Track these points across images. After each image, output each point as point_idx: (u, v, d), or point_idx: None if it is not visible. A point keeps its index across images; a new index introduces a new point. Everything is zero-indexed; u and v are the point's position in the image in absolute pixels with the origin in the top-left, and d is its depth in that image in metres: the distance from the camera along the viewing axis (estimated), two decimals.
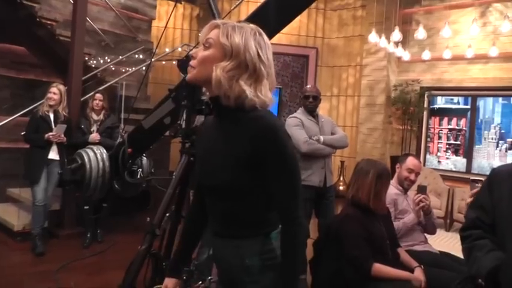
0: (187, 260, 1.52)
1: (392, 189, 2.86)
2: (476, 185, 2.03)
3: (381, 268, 2.24)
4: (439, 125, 7.76)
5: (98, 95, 4.52)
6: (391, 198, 2.81)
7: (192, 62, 1.24)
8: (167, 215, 1.92)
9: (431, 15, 7.14)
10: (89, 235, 4.29)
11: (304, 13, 7.56)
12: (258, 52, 1.19)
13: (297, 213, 1.19)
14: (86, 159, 3.17)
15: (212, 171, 1.24)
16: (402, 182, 2.95)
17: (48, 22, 5.38)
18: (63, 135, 4.06)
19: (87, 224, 4.35)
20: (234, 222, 1.25)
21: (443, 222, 5.89)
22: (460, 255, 2.43)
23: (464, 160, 7.32)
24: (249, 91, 1.16)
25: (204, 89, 1.77)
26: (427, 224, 2.91)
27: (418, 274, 2.38)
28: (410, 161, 2.95)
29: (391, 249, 2.44)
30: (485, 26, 6.49)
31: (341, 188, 7.43)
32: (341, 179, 7.66)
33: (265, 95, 1.20)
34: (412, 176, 2.92)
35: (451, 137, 7.96)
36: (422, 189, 2.85)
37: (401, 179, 2.96)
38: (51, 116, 4.14)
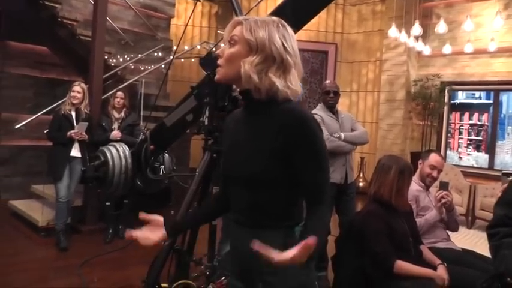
0: (184, 227, 1.59)
1: (414, 186, 2.83)
2: (508, 178, 1.98)
3: (403, 265, 2.22)
4: (460, 121, 7.63)
5: (119, 93, 4.58)
6: (412, 195, 2.78)
7: (219, 61, 1.25)
8: (190, 211, 1.94)
9: (452, 8, 7.01)
10: (110, 231, 4.35)
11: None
12: (283, 43, 1.20)
13: (324, 198, 1.22)
14: (109, 156, 3.21)
15: (242, 163, 1.25)
16: (424, 178, 2.91)
17: (69, 22, 5.47)
18: (84, 133, 4.13)
19: (109, 220, 4.42)
20: (258, 212, 1.25)
21: (465, 219, 5.79)
22: (483, 252, 2.41)
23: (487, 156, 7.18)
24: (279, 82, 1.18)
25: (234, 86, 1.78)
26: (449, 221, 2.87)
27: (441, 272, 2.35)
28: (433, 158, 2.90)
29: (414, 246, 2.41)
30: (509, 18, 6.34)
31: (361, 184, 7.38)
32: (361, 175, 7.61)
33: (296, 84, 1.22)
34: (435, 173, 2.88)
35: (473, 133, 7.82)
36: (444, 186, 2.81)
37: (424, 175, 2.92)
38: (73, 114, 4.21)
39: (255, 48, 1.20)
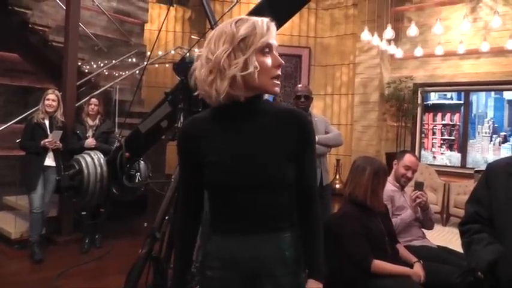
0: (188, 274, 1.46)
1: (389, 186, 2.88)
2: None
3: (380, 264, 2.26)
4: (433, 121, 7.81)
5: (93, 100, 4.51)
6: (388, 195, 2.82)
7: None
8: (166, 218, 1.93)
9: (423, 12, 7.19)
10: (87, 241, 4.28)
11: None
12: (222, 38, 1.23)
13: (317, 196, 1.32)
14: (84, 165, 3.15)
15: (258, 168, 1.21)
16: (399, 178, 2.96)
17: (41, 28, 5.38)
18: (59, 142, 4.06)
19: (85, 230, 4.34)
20: (274, 216, 1.26)
21: (440, 217, 5.93)
22: (458, 249, 2.46)
23: (459, 155, 7.37)
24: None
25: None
26: (424, 220, 2.93)
27: (418, 269, 2.40)
28: (408, 158, 2.95)
29: (390, 246, 2.45)
30: (476, 21, 6.55)
31: (337, 186, 7.46)
32: (337, 177, 7.69)
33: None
34: (409, 173, 2.93)
35: (445, 133, 8.01)
36: (419, 186, 2.87)
37: (398, 175, 2.97)
38: (47, 122, 4.13)
39: None
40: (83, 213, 4.29)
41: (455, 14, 6.74)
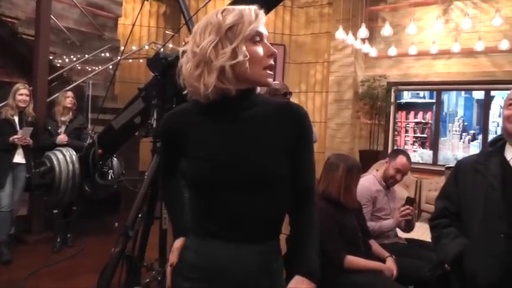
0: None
1: (375, 185, 2.85)
2: None
3: (353, 260, 2.29)
4: (406, 119, 7.98)
5: (69, 93, 4.42)
6: (371, 196, 2.79)
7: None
8: (140, 215, 1.90)
9: (397, 12, 7.30)
10: (58, 240, 4.19)
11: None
12: (206, 30, 1.16)
13: (315, 198, 1.24)
14: (55, 162, 3.09)
15: (249, 165, 1.10)
16: (387, 179, 2.88)
17: (10, 20, 5.21)
18: (29, 138, 3.95)
19: (57, 229, 4.24)
20: (266, 221, 1.14)
21: None
22: (426, 240, 2.53)
23: (431, 152, 7.54)
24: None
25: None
26: (405, 227, 2.85)
27: (390, 264, 2.44)
28: (400, 161, 2.84)
29: (363, 242, 2.49)
30: (447, 23, 6.70)
31: None
32: None
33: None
34: (399, 176, 2.86)
35: (418, 130, 8.20)
36: (410, 201, 2.75)
37: (387, 176, 2.88)
38: (16, 118, 4.01)
39: None
40: (55, 211, 4.19)
41: (428, 15, 6.88)
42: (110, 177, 2.82)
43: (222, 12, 1.11)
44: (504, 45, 5.92)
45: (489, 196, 1.63)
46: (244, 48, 1.08)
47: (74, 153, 3.17)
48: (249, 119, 1.14)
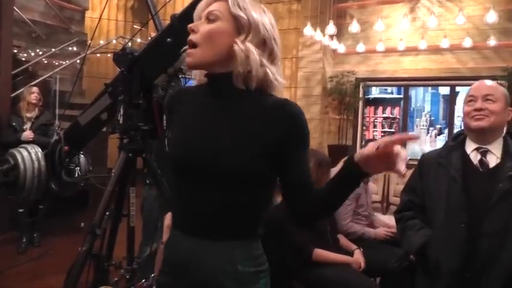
0: None
1: None
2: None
3: (321, 253, 2.33)
4: (374, 114, 8.14)
5: (35, 88, 4.29)
6: (356, 192, 2.79)
7: (194, 37, 1.05)
8: (107, 213, 1.87)
9: (365, 9, 7.42)
10: (24, 240, 4.07)
11: None
12: (272, 30, 1.08)
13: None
14: (20, 159, 2.98)
15: (217, 155, 1.02)
16: None
17: None
18: None
19: (23, 228, 4.12)
20: (230, 218, 1.05)
21: (380, 206, 6.21)
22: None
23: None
24: (271, 73, 1.05)
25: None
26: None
27: (358, 257, 2.50)
28: None
29: (331, 235, 2.54)
30: (414, 20, 6.87)
31: None
32: None
33: (281, 79, 1.10)
34: None
35: (386, 125, 8.37)
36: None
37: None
38: None
39: (246, 28, 1.03)
40: (20, 210, 4.07)
41: (396, 13, 7.02)
42: (76, 175, 2.75)
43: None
44: (467, 42, 6.12)
45: (451, 188, 1.70)
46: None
47: (40, 150, 3.07)
48: (234, 109, 1.07)
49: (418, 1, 6.99)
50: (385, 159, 0.94)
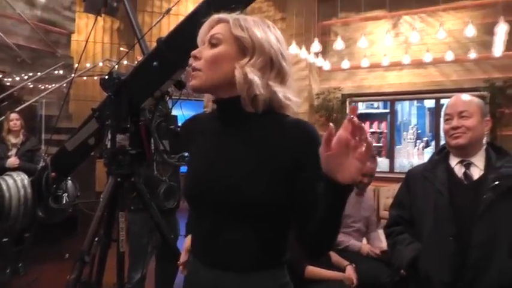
0: None
1: None
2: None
3: (313, 270, 2.32)
4: None
5: (13, 115, 4.25)
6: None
7: (197, 64, 1.03)
8: (96, 239, 1.85)
9: (348, 26, 7.55)
10: (8, 270, 3.96)
11: None
12: (279, 47, 1.04)
13: None
14: (5, 188, 2.94)
15: (232, 187, 0.98)
16: (356, 184, 2.84)
17: None
18: None
19: (7, 258, 4.02)
20: (253, 249, 1.00)
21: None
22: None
23: (387, 160, 7.77)
24: (281, 93, 1.02)
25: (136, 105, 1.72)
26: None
27: (350, 273, 2.49)
28: None
29: (310, 260, 2.51)
30: (397, 36, 7.01)
31: None
32: None
33: (294, 96, 1.05)
34: (366, 179, 2.92)
35: (374, 140, 8.43)
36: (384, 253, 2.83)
37: (355, 181, 2.91)
38: None
39: (250, 49, 1.01)
40: (5, 239, 3.99)
41: (379, 29, 7.16)
42: (64, 201, 2.72)
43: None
44: (449, 56, 6.25)
45: (438, 202, 1.72)
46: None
47: (26, 177, 3.03)
48: (250, 136, 1.03)
49: (400, 17, 7.14)
50: (345, 151, 0.83)
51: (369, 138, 0.83)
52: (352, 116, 0.84)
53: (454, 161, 1.78)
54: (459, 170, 1.75)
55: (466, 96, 1.80)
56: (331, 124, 0.84)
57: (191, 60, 1.05)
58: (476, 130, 1.72)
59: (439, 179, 1.75)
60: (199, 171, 1.06)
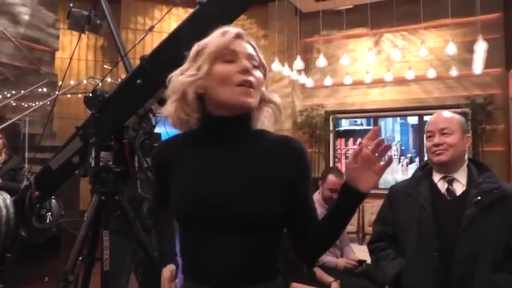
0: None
1: (319, 209, 2.92)
2: None
3: (298, 286, 2.32)
4: (345, 146, 8.25)
5: None
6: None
7: (254, 82, 1.05)
8: (80, 258, 1.83)
9: (331, 44, 7.67)
10: None
11: None
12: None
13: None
14: None
15: (229, 204, 1.01)
16: (327, 200, 2.96)
17: None
18: None
19: None
20: (251, 263, 1.03)
21: (356, 236, 6.24)
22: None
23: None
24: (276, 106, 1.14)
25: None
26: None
27: None
28: (330, 180, 2.94)
29: (307, 268, 2.53)
30: (379, 53, 7.15)
31: None
32: None
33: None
34: (335, 195, 2.96)
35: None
36: (361, 262, 2.94)
37: (326, 198, 2.96)
38: None
39: (265, 72, 1.12)
40: None
41: (361, 47, 7.29)
42: (48, 220, 2.68)
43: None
44: (431, 73, 6.38)
45: (421, 217, 1.75)
46: (206, 67, 1.03)
47: (8, 196, 2.98)
48: (241, 152, 1.07)
49: (382, 35, 7.29)
50: (366, 165, 0.98)
51: (391, 154, 0.95)
52: (372, 136, 0.98)
53: (437, 177, 1.81)
54: (442, 186, 1.78)
55: (447, 114, 1.84)
56: (363, 141, 0.98)
57: (245, 74, 1.03)
58: (458, 147, 1.75)
59: (423, 195, 1.77)
60: (193, 190, 1.06)
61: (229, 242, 1.01)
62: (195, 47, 1.07)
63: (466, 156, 1.82)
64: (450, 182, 1.78)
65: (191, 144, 1.11)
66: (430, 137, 1.81)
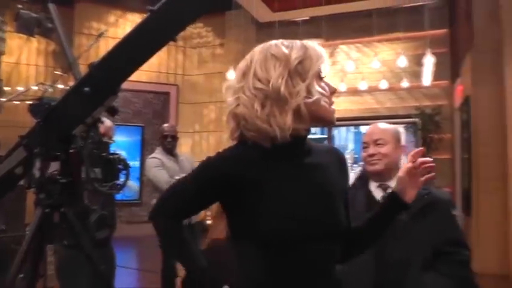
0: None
1: None
2: None
3: None
4: None
5: None
6: None
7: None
8: (21, 275, 1.72)
9: None
10: None
11: (164, 50, 7.78)
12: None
13: None
14: None
15: (335, 215, 1.07)
16: None
17: None
18: None
19: None
20: (334, 273, 1.10)
21: None
22: None
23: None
24: None
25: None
26: None
27: None
28: None
29: None
30: (334, 64, 7.33)
31: (208, 222, 7.45)
32: (208, 213, 7.71)
33: None
34: None
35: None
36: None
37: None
38: None
39: None
40: None
41: None
42: None
43: (283, 44, 1.07)
44: (383, 84, 6.62)
45: None
46: (316, 85, 1.03)
47: None
48: (315, 165, 1.09)
49: (337, 46, 7.49)
50: (413, 179, 1.09)
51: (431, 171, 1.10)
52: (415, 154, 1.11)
53: (373, 186, 1.89)
54: (378, 194, 1.85)
55: (382, 125, 1.93)
56: (408, 157, 1.12)
57: (330, 96, 1.09)
58: (391, 156, 1.83)
59: (359, 202, 1.83)
60: (299, 206, 1.02)
61: (328, 255, 1.06)
62: (291, 55, 1.04)
63: (400, 164, 1.89)
64: (385, 189, 1.85)
65: (273, 159, 1.04)
66: (365, 147, 1.89)
